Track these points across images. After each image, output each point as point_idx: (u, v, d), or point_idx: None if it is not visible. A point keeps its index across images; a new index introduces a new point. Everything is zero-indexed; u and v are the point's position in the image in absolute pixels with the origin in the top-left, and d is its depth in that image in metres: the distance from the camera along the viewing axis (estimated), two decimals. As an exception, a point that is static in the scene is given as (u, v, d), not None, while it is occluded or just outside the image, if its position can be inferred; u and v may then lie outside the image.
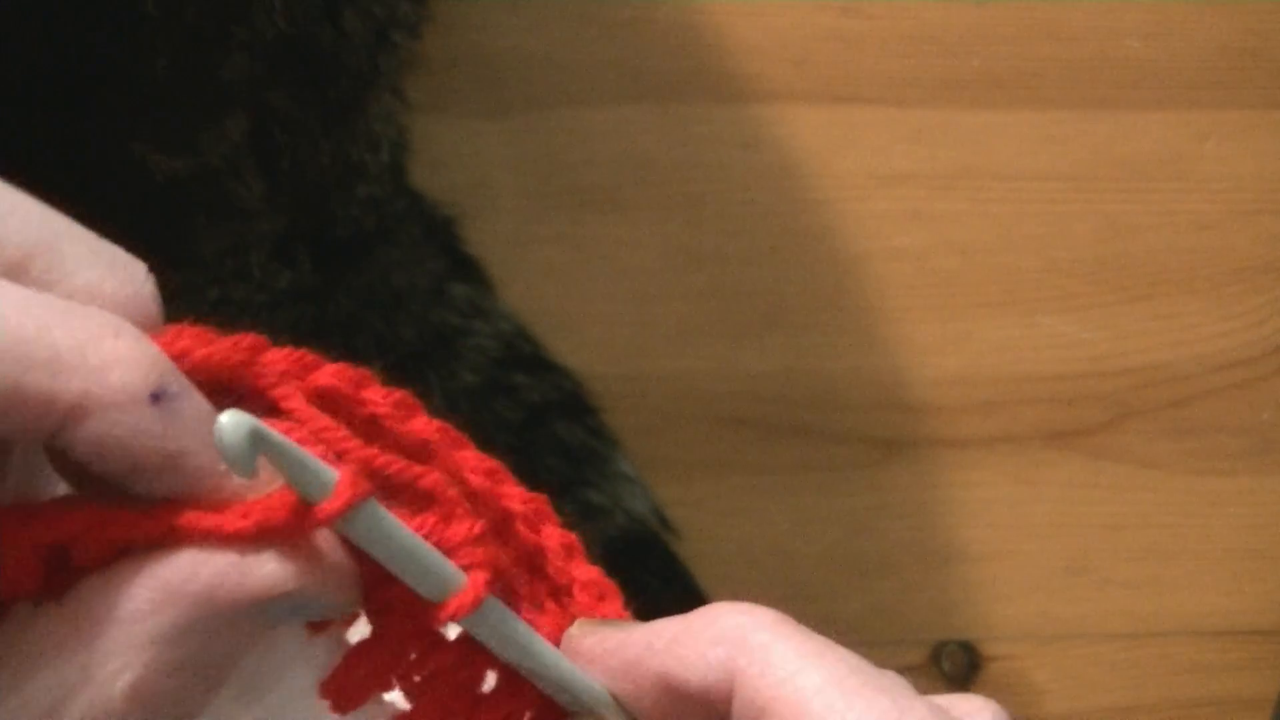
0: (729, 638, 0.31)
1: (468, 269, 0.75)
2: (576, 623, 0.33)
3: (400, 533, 0.30)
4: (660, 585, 0.75)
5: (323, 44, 0.53)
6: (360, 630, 0.32)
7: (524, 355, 0.74)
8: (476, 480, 0.32)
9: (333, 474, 0.29)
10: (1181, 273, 0.84)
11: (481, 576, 0.31)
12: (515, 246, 0.79)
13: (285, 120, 0.53)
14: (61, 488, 0.30)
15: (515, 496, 0.33)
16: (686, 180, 0.81)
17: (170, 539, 0.28)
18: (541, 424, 0.73)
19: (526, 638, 0.32)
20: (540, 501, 0.34)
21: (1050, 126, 0.83)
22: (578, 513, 0.71)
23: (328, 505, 0.28)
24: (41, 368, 0.27)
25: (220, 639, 0.29)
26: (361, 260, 0.66)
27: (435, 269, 0.72)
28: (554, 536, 0.34)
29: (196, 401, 0.28)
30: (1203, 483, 0.84)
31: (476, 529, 0.31)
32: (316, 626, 0.32)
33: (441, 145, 0.78)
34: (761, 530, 0.80)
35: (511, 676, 0.33)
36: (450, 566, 0.30)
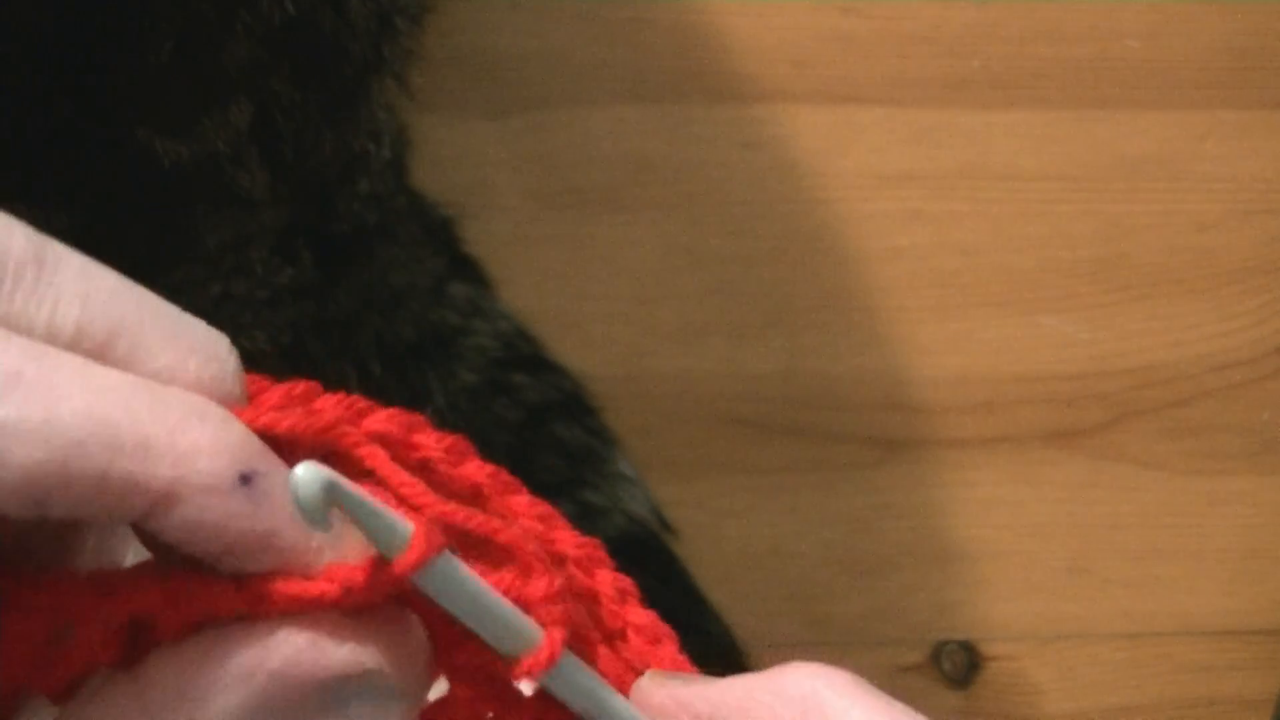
0: (802, 700, 0.32)
1: (467, 269, 0.75)
2: (647, 674, 0.34)
3: (476, 586, 0.30)
4: (659, 586, 0.75)
5: (325, 28, 0.53)
6: (438, 688, 0.32)
7: (523, 355, 0.74)
8: (529, 524, 0.33)
9: (409, 526, 0.28)
10: (1181, 273, 0.84)
11: (559, 633, 0.31)
12: (515, 246, 0.79)
13: (288, 107, 0.53)
14: (137, 547, 0.30)
15: (568, 541, 0.34)
16: (686, 180, 0.81)
17: (252, 611, 0.28)
18: (541, 424, 0.73)
19: (602, 692, 0.32)
20: (593, 545, 0.34)
21: (1050, 126, 0.83)
22: (577, 513, 0.71)
23: (404, 558, 0.28)
24: (131, 454, 0.27)
25: (290, 718, 0.29)
26: (362, 257, 0.66)
27: (435, 268, 0.72)
28: (608, 581, 0.34)
29: (284, 479, 0.28)
30: (1203, 483, 0.84)
31: (555, 585, 0.31)
32: None
33: (441, 145, 0.78)
34: (761, 530, 0.80)
35: None
36: (526, 621, 0.30)
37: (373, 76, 0.59)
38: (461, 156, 0.79)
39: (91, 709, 0.28)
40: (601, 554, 0.34)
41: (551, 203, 0.80)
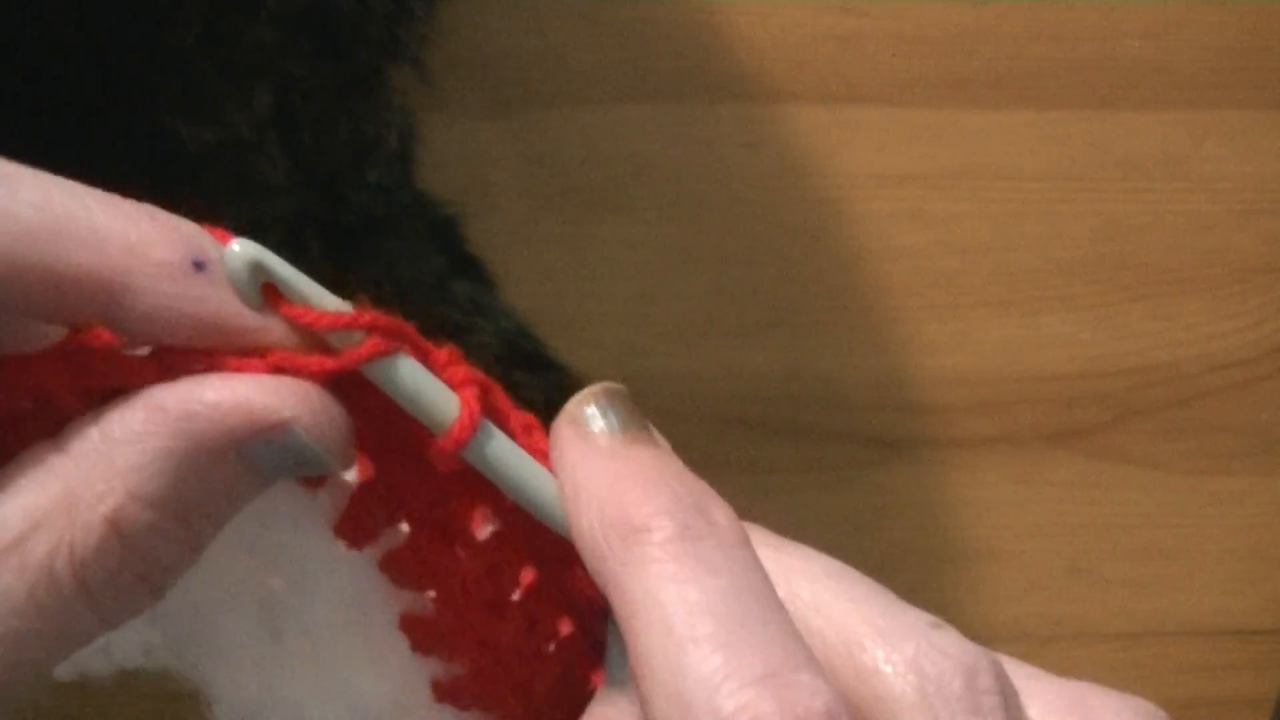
0: (622, 536, 0.29)
1: (469, 267, 0.75)
2: (584, 394, 0.31)
3: (410, 368, 0.30)
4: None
5: (342, 12, 0.53)
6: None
7: (525, 353, 0.74)
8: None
9: (347, 309, 0.30)
10: (1181, 273, 0.84)
11: (472, 392, 0.30)
12: (515, 246, 0.78)
13: (306, 91, 0.53)
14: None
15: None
16: (687, 180, 0.81)
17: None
18: (542, 421, 0.73)
19: (523, 461, 0.31)
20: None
21: (1050, 126, 0.83)
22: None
23: (357, 350, 0.29)
24: (87, 247, 0.27)
25: (207, 477, 0.28)
26: (369, 250, 0.66)
27: (437, 265, 0.72)
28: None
29: None
30: (1203, 483, 0.84)
31: (455, 352, 0.31)
32: (313, 482, 0.31)
33: (441, 145, 0.78)
34: (761, 530, 0.80)
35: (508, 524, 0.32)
36: (450, 393, 0.30)
37: (389, 60, 0.59)
38: (462, 156, 0.79)
39: (15, 469, 0.28)
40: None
41: (551, 203, 0.80)
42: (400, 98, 0.67)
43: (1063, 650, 0.82)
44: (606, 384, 0.31)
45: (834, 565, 0.31)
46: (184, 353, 0.29)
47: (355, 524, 0.32)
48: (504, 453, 0.31)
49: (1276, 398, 0.84)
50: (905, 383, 0.82)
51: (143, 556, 0.28)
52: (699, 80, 0.81)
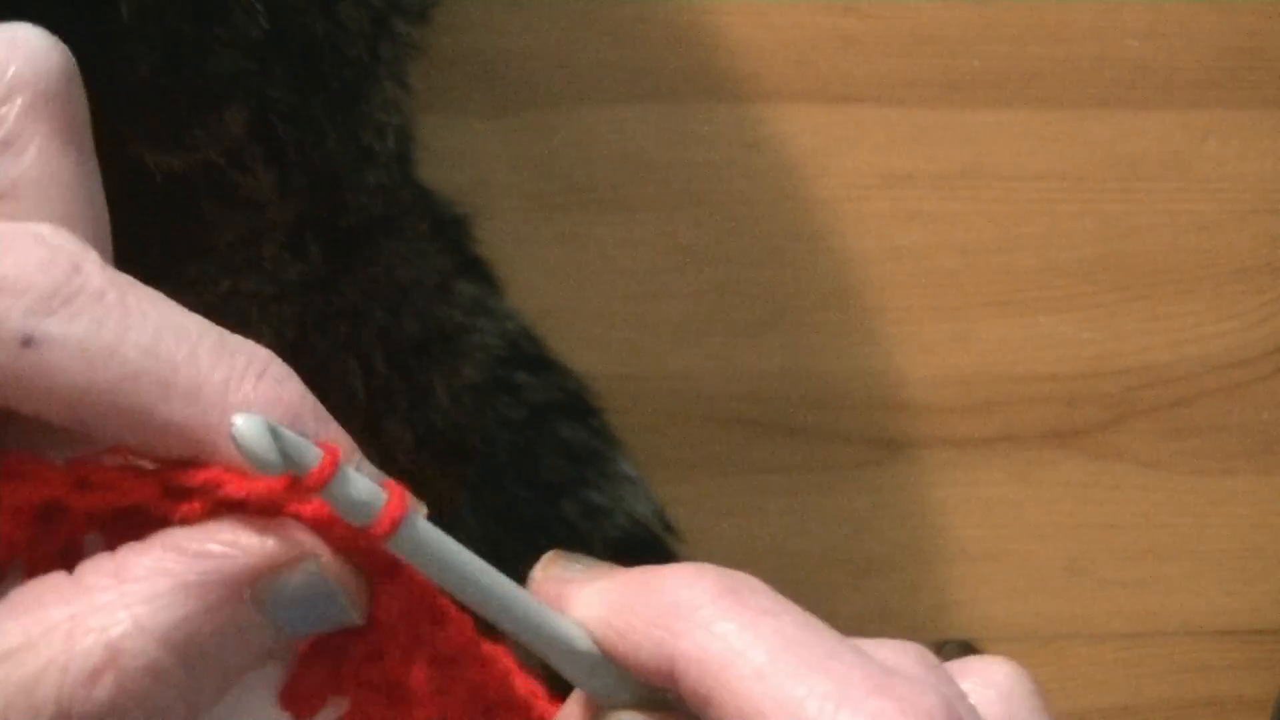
0: (669, 615, 0.30)
1: (475, 268, 0.75)
2: (543, 559, 0.33)
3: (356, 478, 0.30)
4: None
5: (317, 35, 0.53)
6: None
7: (527, 354, 0.74)
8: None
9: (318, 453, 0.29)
10: (1181, 273, 0.84)
11: (399, 489, 0.30)
12: (515, 246, 0.78)
13: (286, 111, 0.53)
14: None
15: None
16: (687, 180, 0.81)
17: (171, 502, 0.28)
18: (544, 423, 0.73)
19: (457, 555, 0.31)
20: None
21: (1050, 126, 0.83)
22: (580, 513, 0.71)
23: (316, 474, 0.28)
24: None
25: (218, 617, 0.28)
26: (368, 250, 0.66)
27: (442, 265, 0.72)
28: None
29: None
30: (1203, 483, 0.84)
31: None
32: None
33: (441, 145, 0.78)
34: (761, 530, 0.80)
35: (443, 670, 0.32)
36: (377, 487, 0.30)
37: (371, 78, 0.59)
38: (461, 156, 0.79)
39: (24, 591, 0.27)
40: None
41: (551, 203, 0.80)
42: (398, 99, 0.67)
43: (1063, 650, 0.82)
44: (550, 552, 0.33)
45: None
46: (186, 472, 0.28)
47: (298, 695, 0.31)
48: (438, 541, 0.31)
49: (1276, 398, 0.84)
50: (905, 383, 0.82)
51: (134, 695, 0.27)
52: (699, 80, 0.81)
